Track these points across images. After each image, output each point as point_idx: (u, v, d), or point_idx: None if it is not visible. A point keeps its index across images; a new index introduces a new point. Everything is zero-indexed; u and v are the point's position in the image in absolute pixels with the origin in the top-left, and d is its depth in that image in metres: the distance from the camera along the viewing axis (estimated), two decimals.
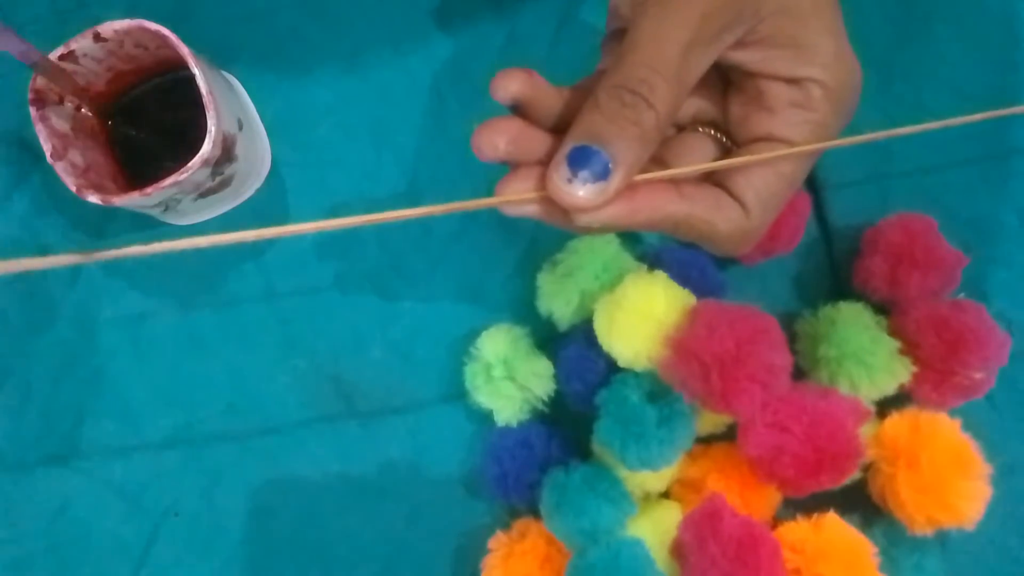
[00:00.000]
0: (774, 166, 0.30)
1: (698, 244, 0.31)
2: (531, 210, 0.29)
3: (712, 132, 0.33)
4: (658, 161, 0.32)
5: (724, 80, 0.32)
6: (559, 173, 0.28)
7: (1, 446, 0.44)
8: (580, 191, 0.27)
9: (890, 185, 0.45)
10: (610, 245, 0.41)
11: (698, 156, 0.32)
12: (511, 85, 0.29)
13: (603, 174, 0.27)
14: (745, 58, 0.30)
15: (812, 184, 0.45)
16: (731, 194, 0.30)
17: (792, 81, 0.30)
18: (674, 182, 0.30)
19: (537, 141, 0.30)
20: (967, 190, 0.45)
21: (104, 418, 0.44)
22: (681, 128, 0.34)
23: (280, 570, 0.44)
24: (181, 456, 0.44)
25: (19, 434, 0.44)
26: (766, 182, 0.30)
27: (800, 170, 0.31)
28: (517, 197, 0.29)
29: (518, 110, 0.30)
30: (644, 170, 0.29)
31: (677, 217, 0.29)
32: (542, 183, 0.28)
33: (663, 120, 0.28)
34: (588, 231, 0.30)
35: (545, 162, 0.28)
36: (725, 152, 0.33)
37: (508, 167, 0.30)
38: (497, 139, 0.29)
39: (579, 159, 0.27)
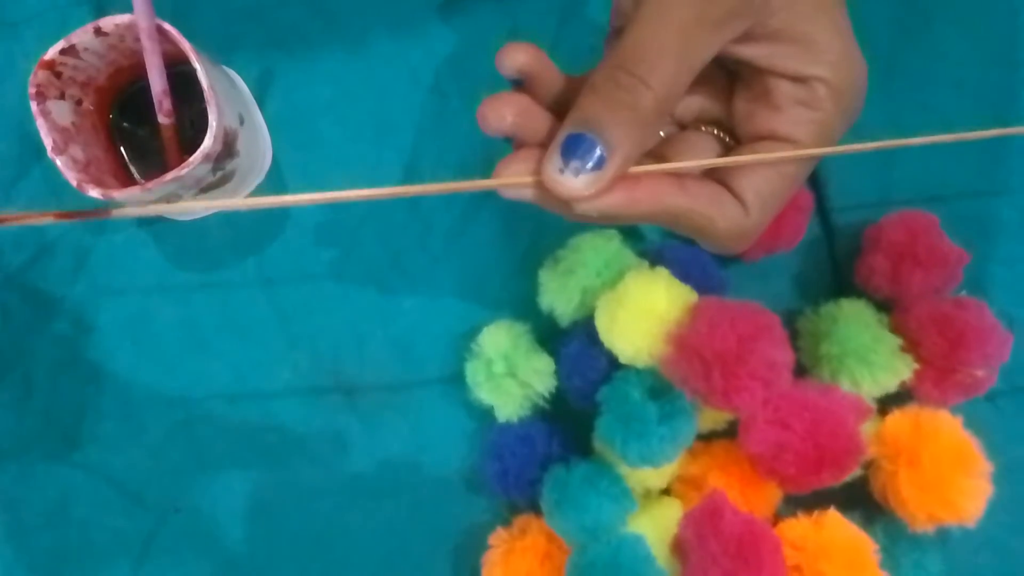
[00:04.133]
0: (776, 165, 0.30)
1: (696, 240, 0.31)
2: (529, 195, 0.29)
3: (715, 131, 0.33)
4: (659, 158, 0.32)
5: (730, 79, 0.32)
6: (552, 162, 0.27)
7: (2, 442, 0.44)
8: (573, 180, 0.27)
9: (892, 182, 0.45)
10: (612, 242, 0.41)
11: (700, 154, 0.32)
12: (518, 56, 0.29)
13: (598, 163, 0.27)
14: (753, 53, 0.29)
15: (814, 181, 0.45)
16: (732, 192, 0.30)
17: (798, 79, 0.29)
18: (676, 176, 0.29)
19: (541, 120, 0.29)
20: (969, 187, 0.45)
21: (105, 414, 0.44)
22: (684, 127, 0.34)
23: (280, 566, 0.44)
24: (181, 452, 0.44)
25: (20, 430, 0.44)
26: (767, 181, 0.30)
27: (802, 170, 0.31)
28: (514, 180, 0.28)
29: (522, 87, 0.30)
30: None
31: (677, 210, 0.29)
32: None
33: (661, 102, 0.27)
34: (587, 220, 0.29)
35: (546, 145, 0.28)
36: (727, 151, 0.32)
37: (511, 146, 0.29)
38: (504, 110, 0.29)
39: (572, 148, 0.27)
